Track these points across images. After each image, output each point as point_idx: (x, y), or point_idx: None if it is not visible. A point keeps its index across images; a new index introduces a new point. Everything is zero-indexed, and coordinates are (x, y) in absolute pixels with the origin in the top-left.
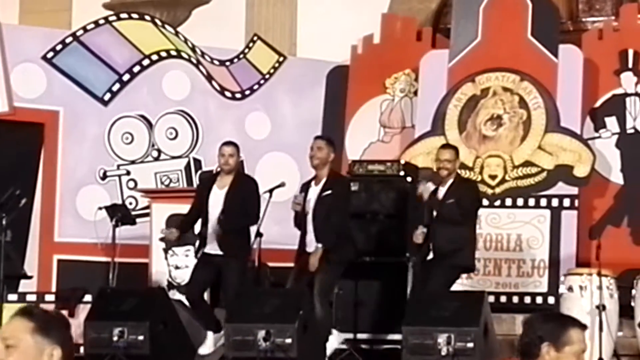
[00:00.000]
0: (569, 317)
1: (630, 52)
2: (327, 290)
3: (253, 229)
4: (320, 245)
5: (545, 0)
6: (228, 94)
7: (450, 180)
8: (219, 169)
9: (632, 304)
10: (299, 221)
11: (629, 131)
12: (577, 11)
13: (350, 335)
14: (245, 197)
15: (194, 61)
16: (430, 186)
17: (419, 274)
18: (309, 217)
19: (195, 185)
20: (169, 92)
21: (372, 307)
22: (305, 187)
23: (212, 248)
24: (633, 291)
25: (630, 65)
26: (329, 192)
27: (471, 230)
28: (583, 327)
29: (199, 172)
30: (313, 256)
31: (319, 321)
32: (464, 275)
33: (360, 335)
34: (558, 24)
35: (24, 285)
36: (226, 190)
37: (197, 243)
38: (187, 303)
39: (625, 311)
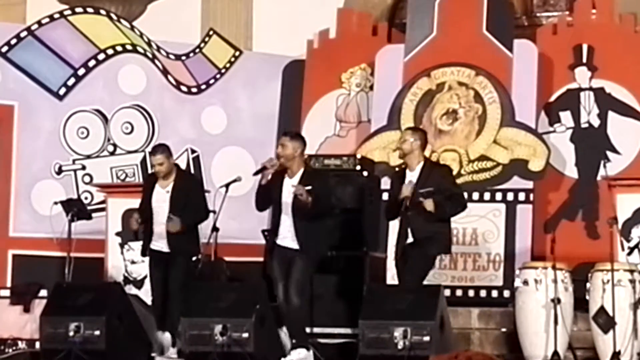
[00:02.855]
0: None
1: (585, 47)
2: (305, 282)
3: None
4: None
5: None
6: (184, 88)
7: (420, 165)
8: None
9: (587, 297)
10: (263, 202)
11: (583, 125)
12: (532, 6)
13: (307, 330)
14: (189, 195)
15: (150, 55)
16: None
17: (400, 262)
18: (285, 208)
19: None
20: (124, 87)
21: (328, 300)
22: (276, 176)
23: (159, 245)
24: (587, 284)
25: (584, 60)
26: (309, 187)
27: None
28: None
29: None
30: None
31: (295, 312)
32: None
33: (316, 329)
34: (513, 19)
35: None
36: (170, 190)
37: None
38: (143, 298)
39: (580, 304)
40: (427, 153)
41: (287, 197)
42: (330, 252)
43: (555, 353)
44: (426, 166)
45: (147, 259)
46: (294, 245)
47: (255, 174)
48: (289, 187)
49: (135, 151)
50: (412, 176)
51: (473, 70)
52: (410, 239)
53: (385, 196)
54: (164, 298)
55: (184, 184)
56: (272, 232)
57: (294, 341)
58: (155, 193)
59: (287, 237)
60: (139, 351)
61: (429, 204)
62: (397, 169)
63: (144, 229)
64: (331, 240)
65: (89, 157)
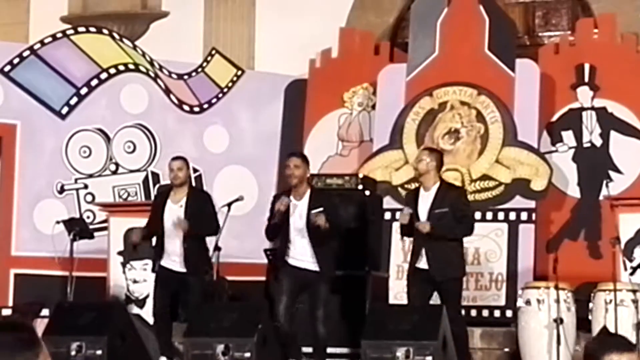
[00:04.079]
0: (615, 339)
1: (587, 67)
2: (328, 312)
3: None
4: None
5: (502, 14)
6: (186, 107)
7: (436, 186)
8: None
9: (589, 317)
10: (275, 234)
11: (585, 145)
12: (534, 26)
13: (310, 349)
14: (203, 211)
15: (152, 75)
16: (408, 210)
17: (412, 282)
18: (297, 230)
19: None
20: (127, 106)
21: (331, 320)
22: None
23: (170, 262)
24: (590, 304)
25: (586, 79)
26: (320, 209)
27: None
28: (623, 349)
29: (157, 185)
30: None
31: (323, 343)
32: None
33: None
34: (515, 39)
35: None
36: (183, 205)
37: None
38: (145, 317)
39: (583, 324)
40: None
41: (297, 219)
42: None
43: None
44: (442, 187)
45: (150, 278)
46: (313, 267)
47: (271, 217)
48: (299, 209)
49: (138, 170)
50: (427, 196)
51: (475, 90)
52: (424, 264)
53: (387, 215)
54: (165, 316)
55: (197, 199)
56: (281, 251)
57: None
58: (168, 209)
59: (302, 259)
60: None
61: (423, 227)
62: (408, 187)
63: (155, 246)
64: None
65: (91, 176)
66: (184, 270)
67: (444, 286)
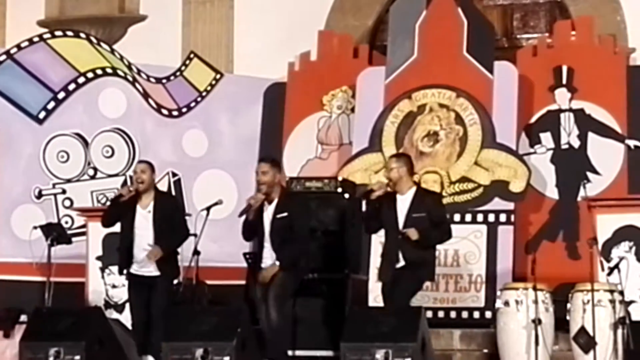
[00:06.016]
0: None
1: (564, 69)
2: (284, 297)
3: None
4: (277, 262)
5: (480, 17)
6: (165, 111)
7: (412, 191)
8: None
9: (568, 317)
10: (250, 234)
11: (563, 146)
12: (512, 28)
13: (289, 352)
14: (172, 218)
15: (130, 79)
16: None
17: (389, 284)
18: (266, 236)
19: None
20: (105, 110)
21: (310, 323)
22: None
23: (140, 269)
24: (568, 305)
25: (564, 81)
26: (284, 214)
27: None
28: None
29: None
30: (267, 271)
31: (275, 328)
32: None
33: (299, 352)
34: (493, 41)
35: None
36: (151, 210)
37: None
38: (124, 322)
39: (561, 325)
40: None
41: (266, 224)
42: (312, 275)
43: None
44: (418, 192)
45: (127, 283)
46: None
47: (242, 214)
48: (267, 213)
49: (116, 175)
50: (403, 200)
51: (454, 92)
52: (401, 263)
53: None
54: (145, 323)
55: (165, 204)
56: (256, 258)
57: None
58: (138, 215)
59: (268, 261)
60: None
61: (413, 234)
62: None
63: (121, 251)
64: (313, 262)
65: (69, 181)
66: (156, 274)
67: (409, 275)
